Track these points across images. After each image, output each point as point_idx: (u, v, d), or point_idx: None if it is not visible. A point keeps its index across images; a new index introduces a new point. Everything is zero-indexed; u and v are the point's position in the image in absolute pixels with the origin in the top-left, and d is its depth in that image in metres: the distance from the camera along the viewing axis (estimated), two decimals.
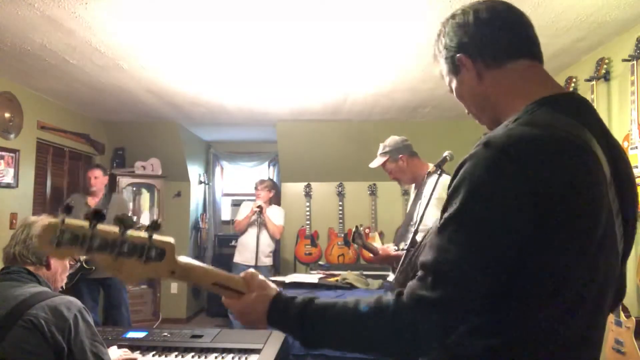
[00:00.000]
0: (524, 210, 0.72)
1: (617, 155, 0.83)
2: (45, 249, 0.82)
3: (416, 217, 2.54)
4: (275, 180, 6.71)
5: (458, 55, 0.92)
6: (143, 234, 0.84)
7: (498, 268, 0.74)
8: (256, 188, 4.64)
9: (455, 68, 0.94)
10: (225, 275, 0.92)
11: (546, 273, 0.75)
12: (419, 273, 0.77)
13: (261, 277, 0.93)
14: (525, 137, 0.75)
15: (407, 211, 2.74)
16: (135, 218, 4.91)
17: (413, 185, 2.79)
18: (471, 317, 0.77)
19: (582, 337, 0.79)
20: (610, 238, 0.79)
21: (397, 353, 0.80)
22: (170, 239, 0.86)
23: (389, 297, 0.79)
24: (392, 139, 2.74)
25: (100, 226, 0.83)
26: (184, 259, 0.87)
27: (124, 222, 0.83)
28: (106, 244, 0.83)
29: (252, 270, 0.95)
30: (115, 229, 0.83)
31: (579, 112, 0.82)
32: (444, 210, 0.79)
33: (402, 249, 2.57)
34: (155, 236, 0.85)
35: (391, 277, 2.88)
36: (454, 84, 0.97)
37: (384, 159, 2.71)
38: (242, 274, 0.93)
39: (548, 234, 0.73)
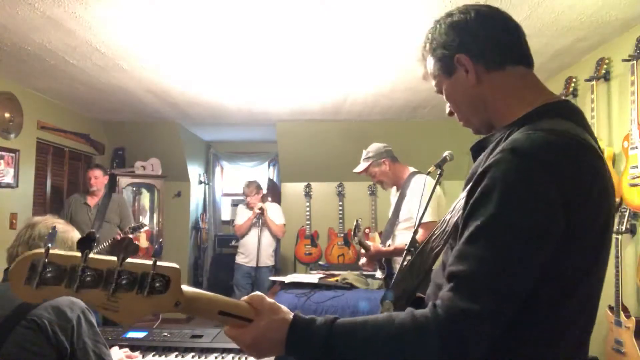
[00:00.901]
0: (556, 215, 0.72)
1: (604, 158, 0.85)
2: (20, 293, 0.66)
3: (409, 215, 2.63)
4: (275, 180, 6.71)
5: (458, 55, 0.89)
6: (144, 261, 0.71)
7: (535, 273, 0.74)
8: (243, 191, 4.64)
9: (450, 68, 0.91)
10: (232, 302, 0.81)
11: (569, 273, 0.76)
12: (452, 283, 0.75)
13: (270, 300, 0.83)
14: (549, 142, 0.75)
15: (392, 211, 2.85)
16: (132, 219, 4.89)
17: (394, 188, 2.93)
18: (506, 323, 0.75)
19: (587, 331, 0.83)
20: (611, 238, 0.83)
21: None
22: (175, 265, 0.74)
23: (424, 311, 0.75)
24: (374, 145, 2.90)
25: (92, 256, 0.69)
26: (185, 287, 0.76)
27: (125, 248, 0.69)
28: (100, 277, 0.69)
29: (258, 293, 0.85)
30: (110, 258, 0.70)
31: (578, 118, 0.85)
32: (469, 217, 0.76)
33: (389, 245, 2.76)
34: (158, 263, 0.72)
35: (378, 273, 3.00)
36: (445, 85, 0.94)
37: (367, 163, 2.85)
38: (246, 299, 0.83)
39: (573, 235, 0.74)
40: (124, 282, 0.69)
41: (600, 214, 0.77)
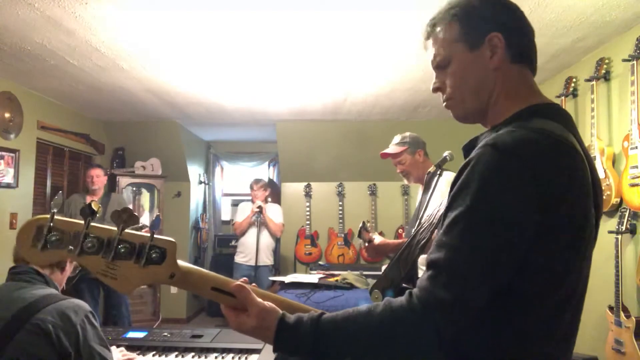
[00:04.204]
0: (531, 208, 0.74)
1: (590, 160, 0.85)
2: (26, 254, 0.70)
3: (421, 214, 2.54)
4: (275, 180, 6.71)
5: (495, 33, 0.87)
6: (143, 233, 0.75)
7: (509, 265, 0.75)
8: (252, 188, 4.63)
9: (476, 42, 0.88)
10: (227, 281, 0.83)
11: (547, 269, 0.78)
12: (429, 272, 0.77)
13: (256, 299, 0.84)
14: (530, 140, 0.77)
15: (416, 210, 2.72)
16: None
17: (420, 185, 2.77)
18: (479, 314, 0.77)
19: (569, 330, 0.84)
20: (593, 236, 0.84)
21: (417, 357, 0.78)
22: (171, 239, 0.78)
23: (401, 301, 0.77)
24: (412, 133, 2.67)
25: (94, 224, 0.73)
26: (181, 262, 0.79)
27: (124, 219, 0.72)
28: (101, 244, 0.72)
29: (241, 285, 0.84)
30: (111, 227, 0.74)
31: (565, 120, 0.86)
32: (449, 208, 0.79)
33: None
34: (155, 235, 0.76)
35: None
36: (458, 56, 0.90)
37: (402, 148, 2.61)
38: (234, 285, 0.84)
39: (551, 230, 0.76)
40: (122, 250, 0.73)
41: (577, 211, 0.78)
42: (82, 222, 0.73)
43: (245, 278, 0.88)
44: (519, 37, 0.90)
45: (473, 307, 0.75)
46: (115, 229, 0.74)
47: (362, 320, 0.79)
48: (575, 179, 0.78)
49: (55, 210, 0.72)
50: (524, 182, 0.74)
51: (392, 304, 0.78)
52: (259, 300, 0.84)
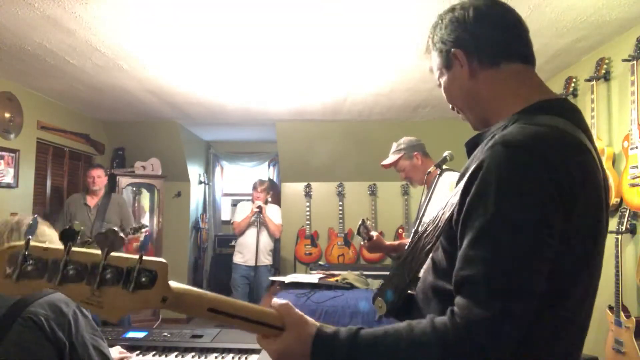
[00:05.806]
0: (555, 206, 0.72)
1: (600, 158, 0.84)
2: None
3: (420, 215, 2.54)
4: (275, 180, 6.71)
5: (454, 50, 0.91)
6: (130, 255, 0.69)
7: (545, 267, 0.72)
8: (255, 189, 4.61)
9: (448, 62, 0.93)
10: (223, 299, 0.77)
11: (568, 267, 0.76)
12: (465, 289, 0.73)
13: (298, 311, 0.81)
14: (539, 134, 0.76)
15: (417, 212, 2.73)
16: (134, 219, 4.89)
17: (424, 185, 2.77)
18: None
19: (584, 330, 0.83)
20: (605, 235, 0.83)
21: None
22: (162, 259, 0.71)
23: (444, 319, 0.73)
24: (406, 138, 2.72)
25: (76, 249, 0.66)
26: (173, 283, 0.73)
27: (107, 240, 0.65)
28: (84, 271, 0.66)
29: (288, 303, 0.81)
30: (95, 251, 0.67)
31: (573, 116, 0.85)
32: (468, 217, 0.75)
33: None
34: (145, 257, 0.69)
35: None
36: (444, 79, 0.96)
37: (398, 156, 2.66)
38: (275, 306, 0.80)
39: (570, 227, 0.74)
40: (108, 276, 0.66)
41: (593, 208, 0.77)
42: (62, 247, 0.65)
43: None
44: (480, 42, 0.90)
45: (520, 319, 0.70)
46: (99, 252, 0.67)
47: (402, 335, 0.75)
48: (587, 175, 0.76)
49: (30, 237, 0.66)
50: (542, 177, 0.71)
51: (434, 321, 0.74)
52: (300, 313, 0.81)
